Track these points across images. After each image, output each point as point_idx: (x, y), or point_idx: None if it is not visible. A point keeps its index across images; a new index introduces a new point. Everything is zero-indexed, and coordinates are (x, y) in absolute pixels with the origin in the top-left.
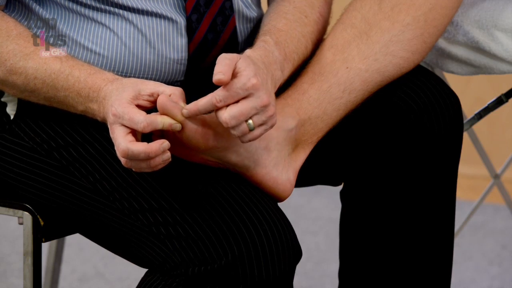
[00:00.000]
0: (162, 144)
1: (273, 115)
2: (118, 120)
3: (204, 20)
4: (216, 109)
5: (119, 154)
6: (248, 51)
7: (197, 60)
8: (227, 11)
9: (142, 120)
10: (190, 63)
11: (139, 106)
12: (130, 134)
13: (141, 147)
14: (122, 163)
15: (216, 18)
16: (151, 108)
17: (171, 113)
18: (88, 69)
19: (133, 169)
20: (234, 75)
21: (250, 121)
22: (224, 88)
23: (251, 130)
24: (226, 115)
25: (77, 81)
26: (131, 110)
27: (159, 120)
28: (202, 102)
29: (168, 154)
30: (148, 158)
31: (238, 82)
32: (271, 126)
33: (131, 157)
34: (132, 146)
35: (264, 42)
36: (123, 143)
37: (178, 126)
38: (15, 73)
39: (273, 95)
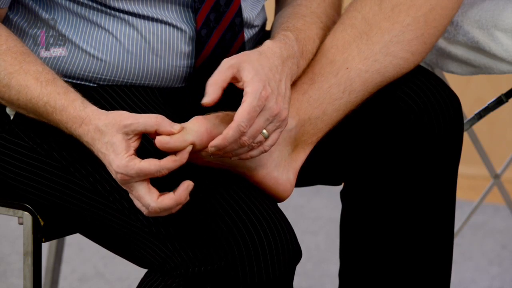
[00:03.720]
0: (187, 187)
1: (285, 118)
2: (133, 180)
3: (213, 35)
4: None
5: (148, 210)
6: (268, 42)
7: (203, 72)
8: (237, 27)
9: (162, 169)
10: (196, 74)
11: (134, 150)
12: (152, 188)
13: (171, 202)
14: (144, 213)
15: (226, 34)
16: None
17: (178, 148)
18: (63, 99)
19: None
20: (241, 82)
21: (264, 131)
22: (244, 112)
23: (266, 138)
24: (245, 138)
25: (53, 112)
26: (141, 166)
27: (175, 165)
28: (230, 135)
29: (187, 198)
30: (178, 206)
31: (253, 100)
32: (281, 131)
33: (163, 213)
34: (163, 204)
35: (285, 36)
36: (153, 203)
37: (190, 149)
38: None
39: (287, 95)
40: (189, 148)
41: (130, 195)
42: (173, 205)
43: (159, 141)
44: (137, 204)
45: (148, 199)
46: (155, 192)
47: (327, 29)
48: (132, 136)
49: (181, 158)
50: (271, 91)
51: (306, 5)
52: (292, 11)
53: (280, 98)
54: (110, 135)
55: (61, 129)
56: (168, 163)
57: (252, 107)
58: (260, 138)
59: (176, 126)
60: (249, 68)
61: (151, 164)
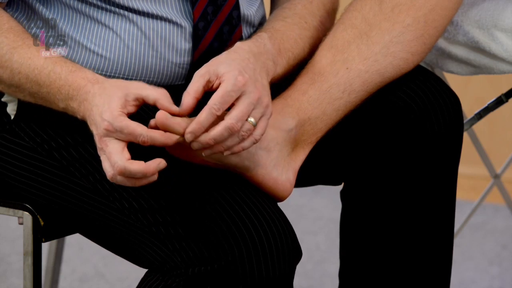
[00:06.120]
0: (159, 164)
1: (268, 104)
2: (113, 135)
3: (210, 28)
4: (216, 118)
5: (114, 170)
6: (237, 43)
7: (201, 66)
8: (234, 20)
9: (145, 135)
10: (194, 69)
11: (127, 114)
12: (126, 149)
13: (139, 167)
14: (108, 176)
15: (223, 27)
16: (136, 111)
17: (173, 130)
18: (70, 66)
19: (115, 182)
20: (219, 80)
21: (251, 118)
22: (217, 95)
23: (254, 126)
24: (230, 121)
25: (58, 78)
26: (129, 123)
27: (161, 139)
28: (203, 117)
29: (155, 177)
30: (143, 177)
31: (228, 85)
32: (270, 115)
33: (127, 175)
34: (130, 166)
35: (257, 36)
36: (121, 161)
37: (180, 140)
38: (1, 67)
39: (264, 84)
40: (179, 138)
41: (102, 155)
42: (138, 172)
43: (161, 113)
44: (105, 165)
45: (118, 157)
46: (127, 154)
47: (314, 29)
48: (132, 100)
49: (168, 138)
50: (248, 77)
51: (290, 8)
52: (275, 14)
53: (259, 84)
54: (111, 91)
55: (56, 102)
56: (155, 133)
57: (226, 91)
58: (248, 126)
59: (175, 108)
60: (221, 65)
61: (138, 125)
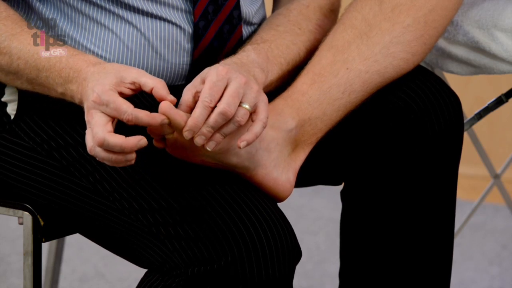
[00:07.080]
0: (139, 141)
1: (258, 90)
2: (99, 108)
3: (211, 27)
4: (210, 110)
5: (94, 141)
6: (221, 61)
7: (201, 65)
8: (235, 20)
9: (130, 113)
10: (194, 68)
11: (120, 94)
12: (110, 124)
13: (118, 140)
14: (88, 148)
15: (223, 26)
16: (131, 95)
17: (174, 121)
18: (71, 50)
19: (96, 158)
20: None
21: (245, 104)
22: (205, 89)
23: (249, 111)
24: (222, 105)
25: (59, 61)
26: (117, 99)
27: (145, 119)
28: (197, 113)
29: (133, 156)
30: (121, 152)
31: (213, 77)
32: (265, 102)
33: (105, 147)
34: (110, 138)
35: (241, 50)
36: (101, 132)
37: (166, 121)
38: (0, 53)
39: (251, 79)
40: (164, 118)
41: (88, 128)
42: (116, 144)
43: (164, 103)
44: (88, 137)
45: (99, 129)
46: (110, 128)
47: (309, 33)
48: (128, 83)
49: (153, 118)
50: (229, 67)
51: (284, 14)
52: (268, 21)
53: (245, 74)
54: (110, 70)
55: (55, 87)
56: (140, 112)
57: (212, 82)
58: (243, 111)
59: (171, 97)
60: (204, 71)
61: (125, 102)
